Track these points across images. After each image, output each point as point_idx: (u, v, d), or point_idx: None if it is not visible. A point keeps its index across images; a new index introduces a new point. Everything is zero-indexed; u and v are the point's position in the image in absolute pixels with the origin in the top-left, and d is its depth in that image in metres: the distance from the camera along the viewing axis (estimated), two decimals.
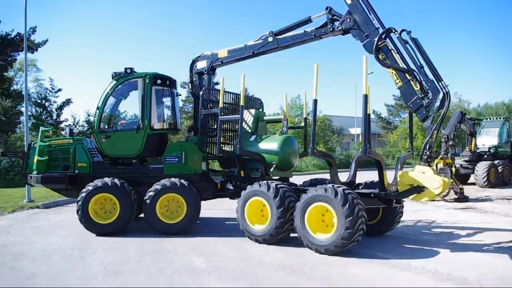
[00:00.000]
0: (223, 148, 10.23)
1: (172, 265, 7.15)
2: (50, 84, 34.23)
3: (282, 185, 8.64)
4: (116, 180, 9.83)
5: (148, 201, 9.62)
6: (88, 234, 9.69)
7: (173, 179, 9.71)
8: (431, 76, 8.33)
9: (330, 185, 7.91)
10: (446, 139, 14.88)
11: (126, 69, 10.65)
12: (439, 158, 14.46)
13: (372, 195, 8.32)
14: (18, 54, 29.73)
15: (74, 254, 8.00)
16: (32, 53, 31.56)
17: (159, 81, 10.72)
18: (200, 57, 11.31)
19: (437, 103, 8.27)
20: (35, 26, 31.17)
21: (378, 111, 66.12)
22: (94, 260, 7.48)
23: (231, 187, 10.46)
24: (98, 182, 9.78)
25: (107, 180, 9.81)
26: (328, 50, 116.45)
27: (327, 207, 7.63)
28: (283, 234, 8.44)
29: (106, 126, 10.83)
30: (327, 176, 9.81)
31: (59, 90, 34.22)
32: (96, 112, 10.77)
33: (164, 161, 10.50)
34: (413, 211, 13.10)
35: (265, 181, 8.78)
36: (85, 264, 7.26)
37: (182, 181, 9.68)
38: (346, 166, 42.86)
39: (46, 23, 71.69)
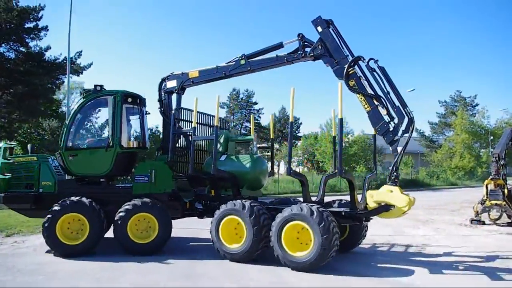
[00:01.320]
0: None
1: None
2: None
3: (256, 204, 8.81)
4: (84, 199, 9.55)
5: (119, 222, 9.36)
6: (119, 254, 9.39)
7: (144, 199, 9.56)
8: (397, 103, 8.85)
9: (304, 204, 8.20)
10: (497, 159, 14.33)
11: (96, 86, 10.51)
12: (489, 178, 14.13)
13: (343, 213, 8.62)
14: (65, 77, 29.99)
15: (104, 276, 7.79)
16: (78, 75, 33.06)
17: (129, 99, 10.63)
18: (170, 76, 11.31)
19: (403, 128, 8.76)
20: (81, 51, 32.31)
21: (421, 130, 65.97)
22: (123, 283, 7.34)
23: (199, 206, 10.51)
24: (65, 202, 9.44)
25: (75, 199, 9.50)
26: None
27: (303, 225, 7.88)
28: (259, 251, 8.57)
29: (73, 144, 10.48)
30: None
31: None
32: (63, 129, 10.52)
33: (134, 180, 10.32)
34: (462, 236, 12.82)
35: (239, 200, 8.88)
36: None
37: (153, 200, 9.59)
38: None
39: (92, 47, 78.39)
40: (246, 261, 8.58)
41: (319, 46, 9.48)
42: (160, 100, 11.39)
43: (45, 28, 30.42)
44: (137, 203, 9.45)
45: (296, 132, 71.02)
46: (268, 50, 10.20)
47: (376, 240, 11.71)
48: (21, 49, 30.04)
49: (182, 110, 10.91)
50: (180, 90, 11.14)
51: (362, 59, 9.13)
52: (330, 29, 9.47)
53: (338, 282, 7.44)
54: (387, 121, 8.85)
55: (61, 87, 34.73)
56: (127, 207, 9.44)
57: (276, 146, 66.99)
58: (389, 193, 8.17)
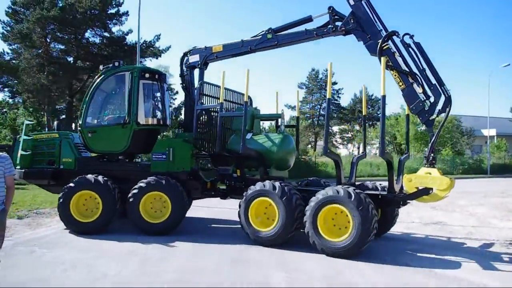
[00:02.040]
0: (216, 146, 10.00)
1: (247, 280, 6.54)
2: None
3: (286, 184, 8.56)
4: (100, 177, 9.50)
5: (131, 199, 9.29)
6: (174, 235, 9.29)
7: (159, 177, 9.36)
8: (433, 80, 8.47)
9: (340, 186, 7.93)
10: None
11: (114, 62, 10.43)
12: None
13: (380, 196, 8.37)
14: (145, 60, 31.79)
15: (154, 257, 7.70)
16: (157, 59, 33.82)
17: (147, 75, 10.43)
18: (193, 50, 10.91)
19: (439, 107, 8.41)
20: (160, 34, 33.79)
21: None
22: (170, 266, 7.14)
23: (222, 187, 10.33)
24: (79, 179, 9.47)
25: (90, 176, 9.47)
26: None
27: (341, 208, 7.61)
28: (291, 234, 8.31)
29: (92, 121, 10.43)
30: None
31: (177, 92, 39.47)
32: (82, 105, 10.41)
33: (152, 158, 10.18)
34: None
35: (268, 181, 8.61)
36: (159, 270, 6.94)
37: (168, 178, 9.36)
38: (476, 172, 39.23)
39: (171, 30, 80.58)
40: (278, 244, 8.31)
41: (351, 20, 9.04)
42: (182, 75, 11.05)
43: (126, 13, 32.07)
44: (151, 181, 9.31)
45: (378, 113, 66.58)
46: (296, 24, 9.78)
47: (456, 232, 10.84)
48: (105, 34, 31.89)
49: (206, 85, 10.55)
50: (203, 65, 10.76)
51: (396, 34, 8.69)
52: (362, 2, 9.02)
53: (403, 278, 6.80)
54: (422, 99, 8.49)
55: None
56: (140, 184, 9.36)
57: (356, 127, 65.86)
58: (428, 176, 7.88)
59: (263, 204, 8.54)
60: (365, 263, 7.39)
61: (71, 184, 9.44)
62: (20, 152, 10.22)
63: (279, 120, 10.47)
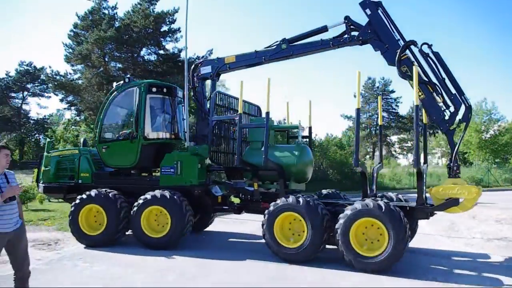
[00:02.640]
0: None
1: None
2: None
3: (313, 198, 8.43)
4: (103, 191, 9.67)
5: (133, 213, 9.36)
6: (213, 251, 9.28)
7: (160, 191, 9.29)
8: (453, 90, 8.53)
9: (370, 200, 7.85)
10: None
11: (124, 78, 10.69)
12: None
13: (408, 208, 8.34)
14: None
15: (189, 272, 7.65)
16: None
17: (154, 89, 10.47)
18: (205, 61, 10.86)
19: (459, 116, 8.50)
20: (211, 49, 32.38)
21: None
22: (206, 282, 7.11)
23: (236, 201, 10.19)
24: (85, 194, 9.73)
25: (94, 191, 9.69)
26: None
27: (373, 221, 7.54)
28: (320, 249, 8.15)
29: (105, 136, 10.62)
30: None
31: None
32: (97, 121, 10.71)
33: (161, 171, 10.10)
34: None
35: (293, 195, 8.41)
36: (195, 284, 6.99)
37: (166, 192, 9.26)
38: None
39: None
40: (307, 260, 8.09)
41: (368, 29, 9.05)
42: (193, 87, 10.83)
43: (178, 30, 32.78)
44: (148, 196, 9.30)
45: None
46: (311, 34, 9.68)
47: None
48: (159, 51, 33.00)
49: (221, 95, 10.43)
50: (215, 76, 10.62)
51: (414, 43, 8.78)
52: (379, 11, 9.05)
53: None
54: (442, 109, 8.60)
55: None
56: (141, 199, 9.36)
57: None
58: (455, 186, 7.91)
59: (288, 219, 8.36)
60: (408, 279, 7.25)
61: (77, 199, 9.76)
62: (42, 168, 10.94)
63: (296, 131, 10.33)
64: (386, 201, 7.83)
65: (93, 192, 9.65)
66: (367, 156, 56.02)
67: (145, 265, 8.12)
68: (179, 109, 11.12)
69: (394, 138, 64.93)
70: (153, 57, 33.56)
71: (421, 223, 12.47)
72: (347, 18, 9.29)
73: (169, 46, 33.47)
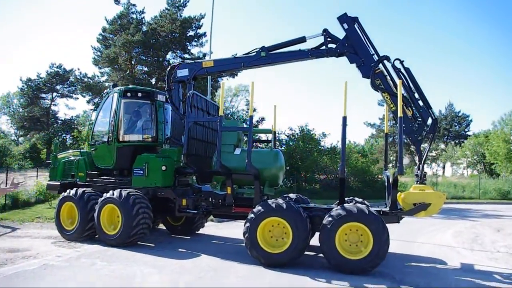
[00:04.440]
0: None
1: None
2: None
3: (292, 201, 8.71)
4: (79, 190, 10.46)
5: (96, 211, 10.00)
6: (238, 253, 9.48)
7: (116, 191, 9.88)
8: (421, 103, 9.06)
9: (351, 204, 8.27)
10: None
11: (112, 84, 11.49)
12: None
13: (381, 212, 8.72)
14: (222, 80, 32.15)
15: (207, 275, 7.74)
16: (233, 78, 34.31)
17: (128, 94, 10.95)
18: (182, 64, 10.91)
19: (427, 128, 9.01)
20: (236, 54, 32.10)
21: None
22: (223, 284, 7.27)
23: (203, 204, 10.37)
24: (66, 193, 10.66)
25: (74, 190, 10.57)
26: None
27: (359, 225, 7.88)
28: (302, 254, 8.37)
29: (95, 139, 11.50)
30: None
31: (254, 110, 39.05)
32: (88, 126, 12.08)
33: (133, 173, 10.53)
34: None
35: (274, 200, 8.59)
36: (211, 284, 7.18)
37: (123, 192, 9.75)
38: None
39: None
40: (287, 264, 8.24)
41: (345, 43, 9.45)
42: (169, 89, 10.91)
43: (204, 35, 33.55)
44: (108, 195, 9.91)
45: (465, 130, 66.09)
46: (290, 44, 10.01)
47: None
48: (185, 55, 33.19)
49: (197, 97, 10.52)
50: (192, 79, 10.74)
51: (388, 59, 9.22)
52: (355, 26, 9.44)
53: None
54: (412, 121, 9.04)
55: (218, 90, 35.06)
56: (103, 197, 10.02)
57: (442, 146, 63.47)
58: (422, 192, 8.37)
59: (269, 224, 8.44)
60: None
61: (60, 197, 10.84)
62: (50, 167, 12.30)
63: (272, 136, 10.64)
64: (368, 206, 8.32)
65: (72, 191, 10.50)
66: (390, 165, 55.59)
67: (162, 266, 8.25)
68: (160, 112, 11.33)
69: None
70: (178, 61, 33.46)
71: (444, 235, 13.21)
72: (325, 30, 9.67)
73: (195, 50, 34.08)
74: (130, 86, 11.43)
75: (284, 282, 7.46)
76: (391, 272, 8.24)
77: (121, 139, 10.83)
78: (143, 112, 11.27)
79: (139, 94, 11.10)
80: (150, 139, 11.28)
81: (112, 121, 10.83)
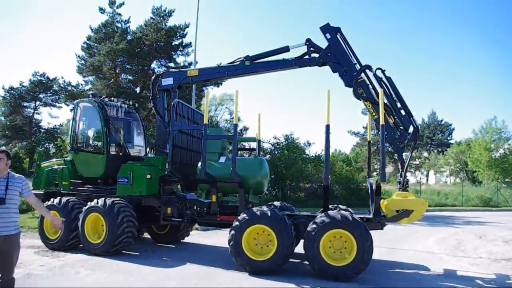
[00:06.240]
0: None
1: None
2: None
3: (275, 210, 8.66)
4: (63, 199, 10.40)
5: (80, 220, 9.93)
6: (223, 261, 9.37)
7: (100, 199, 9.83)
8: (403, 112, 9.21)
9: (335, 212, 8.40)
10: None
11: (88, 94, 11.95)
12: None
13: (365, 219, 8.79)
14: (206, 89, 31.43)
15: (191, 282, 7.77)
16: (218, 87, 34.47)
17: (81, 104, 11.60)
18: (166, 73, 10.93)
19: (409, 136, 9.16)
20: (220, 63, 32.16)
21: None
22: None
23: (188, 212, 10.28)
24: (50, 202, 10.46)
25: (57, 199, 10.49)
26: None
27: (344, 232, 7.97)
28: (287, 261, 8.42)
29: None
30: None
31: (239, 119, 38.53)
32: None
33: (117, 181, 10.51)
34: None
35: (260, 208, 8.64)
36: None
37: (108, 201, 9.72)
38: None
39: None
40: (272, 272, 8.26)
41: (328, 53, 9.59)
42: (153, 98, 10.92)
43: (189, 45, 32.90)
44: (92, 204, 9.87)
45: (448, 139, 66.35)
46: (273, 53, 10.11)
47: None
48: (170, 64, 32.78)
49: (181, 105, 10.59)
50: (177, 88, 10.78)
51: (369, 68, 9.39)
52: (338, 36, 9.59)
53: None
54: (394, 129, 9.19)
55: (203, 99, 34.95)
56: (87, 205, 9.96)
57: (425, 154, 63.53)
58: (405, 199, 8.50)
59: (254, 232, 8.48)
60: None
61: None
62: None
63: (256, 144, 10.69)
64: (352, 213, 8.43)
65: (56, 200, 10.43)
66: (374, 174, 56.11)
67: (146, 274, 8.22)
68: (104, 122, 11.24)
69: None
70: (163, 70, 33.50)
71: (427, 242, 13.36)
72: (308, 40, 9.81)
73: (180, 59, 33.79)
74: (83, 99, 12.20)
75: None
76: (375, 278, 8.33)
77: (79, 147, 11.55)
78: (98, 121, 11.54)
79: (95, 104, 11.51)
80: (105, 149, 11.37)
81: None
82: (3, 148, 9.28)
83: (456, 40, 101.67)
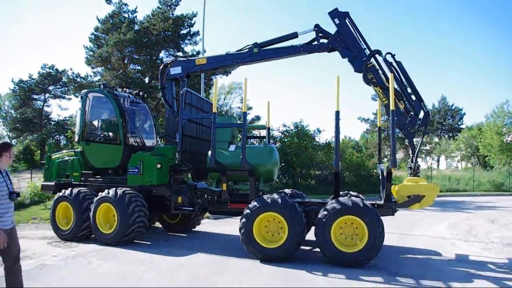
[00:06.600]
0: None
1: None
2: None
3: (286, 197, 8.64)
4: (75, 190, 10.46)
5: (91, 211, 9.97)
6: (235, 249, 9.40)
7: (111, 190, 9.87)
8: (413, 97, 9.12)
9: (346, 198, 8.37)
10: None
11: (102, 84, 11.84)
12: None
13: (376, 205, 8.75)
14: (215, 77, 30.58)
15: (203, 271, 7.73)
16: (227, 76, 34.92)
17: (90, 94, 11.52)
18: (174, 62, 10.92)
19: (419, 121, 9.06)
20: (229, 51, 32.90)
21: None
22: (220, 282, 7.21)
23: (198, 201, 10.39)
24: (60, 193, 10.66)
25: (66, 191, 10.56)
26: None
27: (354, 219, 7.94)
28: (298, 248, 8.42)
29: None
30: None
31: (250, 108, 40.09)
32: None
33: (128, 172, 10.51)
34: None
35: (270, 196, 8.61)
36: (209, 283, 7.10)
37: (111, 191, 9.81)
38: None
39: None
40: (283, 259, 8.26)
41: (337, 38, 9.49)
42: (162, 87, 10.95)
43: (197, 33, 33.11)
44: (103, 194, 9.92)
45: (459, 123, 66.05)
46: (281, 40, 10.05)
47: None
48: (178, 54, 32.77)
49: (190, 94, 10.55)
50: (186, 77, 10.74)
51: (379, 53, 9.27)
52: (347, 21, 9.48)
53: None
54: (404, 114, 9.09)
55: (211, 88, 35.17)
56: (98, 196, 10.00)
57: (436, 139, 63.33)
58: (416, 185, 8.44)
59: (265, 219, 8.47)
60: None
61: (56, 197, 10.81)
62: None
63: (266, 131, 10.64)
64: (363, 199, 8.44)
65: (67, 191, 10.49)
66: (385, 160, 55.97)
67: (158, 263, 8.27)
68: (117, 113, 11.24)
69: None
70: (171, 60, 33.56)
71: (439, 227, 13.25)
72: (317, 26, 9.71)
73: (188, 48, 33.86)
74: (91, 89, 12.14)
75: (281, 276, 7.46)
76: (386, 264, 8.29)
77: (88, 137, 11.40)
78: (106, 111, 11.82)
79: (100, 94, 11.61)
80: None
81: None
82: (6, 140, 9.31)
83: (467, 22, 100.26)
